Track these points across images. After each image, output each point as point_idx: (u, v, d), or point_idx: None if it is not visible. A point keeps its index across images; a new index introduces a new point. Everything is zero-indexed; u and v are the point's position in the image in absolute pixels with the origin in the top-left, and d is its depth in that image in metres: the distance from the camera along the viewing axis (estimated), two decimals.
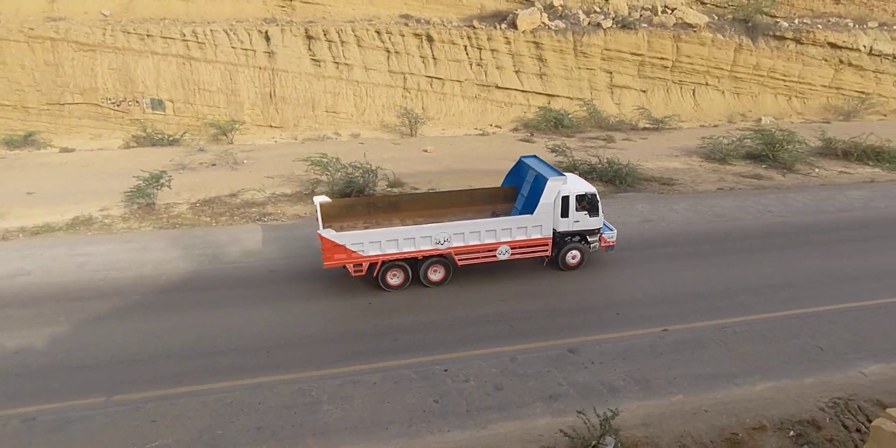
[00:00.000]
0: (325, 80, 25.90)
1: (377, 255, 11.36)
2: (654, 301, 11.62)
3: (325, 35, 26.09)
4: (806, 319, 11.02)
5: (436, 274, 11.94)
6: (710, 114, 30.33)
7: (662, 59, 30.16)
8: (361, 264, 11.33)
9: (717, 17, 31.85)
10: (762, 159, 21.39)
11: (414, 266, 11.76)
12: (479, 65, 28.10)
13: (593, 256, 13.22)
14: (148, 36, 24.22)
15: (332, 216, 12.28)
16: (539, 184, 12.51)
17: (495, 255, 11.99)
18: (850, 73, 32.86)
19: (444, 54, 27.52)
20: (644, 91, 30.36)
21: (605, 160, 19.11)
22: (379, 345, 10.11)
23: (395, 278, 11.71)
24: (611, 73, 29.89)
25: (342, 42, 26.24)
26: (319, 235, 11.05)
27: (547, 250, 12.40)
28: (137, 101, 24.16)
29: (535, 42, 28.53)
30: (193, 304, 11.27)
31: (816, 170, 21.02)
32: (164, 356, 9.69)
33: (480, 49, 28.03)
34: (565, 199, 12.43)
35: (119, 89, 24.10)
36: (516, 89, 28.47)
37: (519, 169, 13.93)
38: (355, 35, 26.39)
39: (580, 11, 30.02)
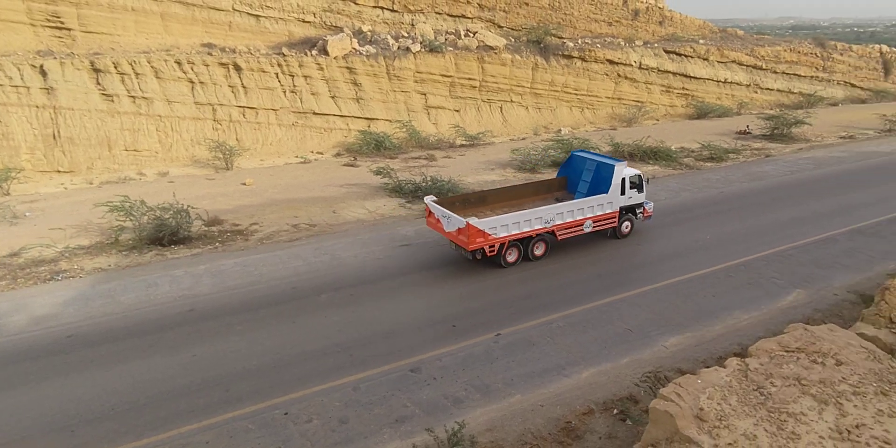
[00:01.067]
0: (122, 117, 23.60)
1: (505, 237, 13.58)
2: (486, 308, 12.13)
3: (115, 67, 23.84)
4: (616, 305, 12.26)
5: (538, 249, 14.39)
6: (517, 128, 32.91)
7: (470, 79, 32.16)
8: (494, 245, 13.44)
9: (513, 40, 34.83)
10: None
11: (525, 244, 14.08)
12: (293, 92, 27.61)
13: (422, 274, 13.48)
14: None
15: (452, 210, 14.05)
16: (603, 169, 15.66)
17: (582, 229, 14.82)
18: (626, 84, 37.87)
19: (254, 83, 26.62)
20: (457, 110, 32.09)
21: (429, 178, 19.74)
22: (208, 399, 9.26)
23: (511, 256, 13.94)
24: (425, 94, 31.14)
25: (137, 74, 24.17)
26: (468, 224, 12.83)
27: (614, 222, 15.50)
28: None
29: (348, 67, 28.79)
30: None
31: None
32: None
33: (293, 76, 27.59)
34: (623, 180, 15.40)
35: None
36: (334, 114, 28.43)
37: (571, 161, 16.94)
38: (152, 66, 24.48)
39: (389, 36, 30.97)
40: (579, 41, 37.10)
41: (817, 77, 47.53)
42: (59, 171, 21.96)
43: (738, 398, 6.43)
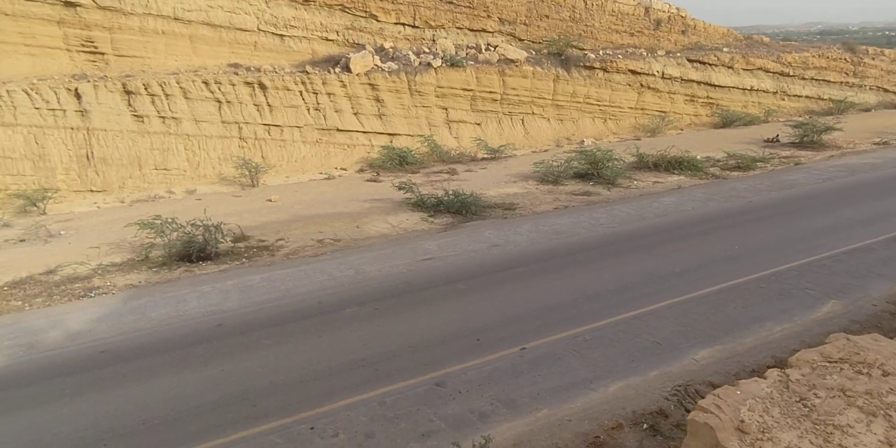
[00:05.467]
0: (152, 137, 24.28)
1: None
2: (510, 322, 12.06)
3: (146, 89, 24.60)
4: (643, 318, 12.07)
5: None
6: (539, 140, 32.92)
7: (491, 92, 32.35)
8: None
9: (534, 52, 35.01)
10: (589, 177, 23.55)
11: None
12: (316, 109, 28.09)
13: (446, 288, 13.50)
14: None
15: None
16: None
17: None
18: (649, 94, 37.67)
19: (279, 101, 27.17)
20: (478, 124, 32.26)
21: (451, 192, 19.83)
22: (236, 414, 9.33)
23: None
24: (446, 109, 31.40)
25: (167, 95, 24.89)
26: None
27: None
28: None
29: (370, 84, 29.22)
30: (4, 406, 9.65)
31: (635, 182, 23.52)
32: None
33: (317, 93, 28.10)
34: None
35: None
36: (357, 131, 28.82)
37: None
38: (181, 87, 25.18)
39: (410, 52, 31.38)
40: (601, 52, 37.09)
41: (847, 82, 46.64)
42: (92, 191, 22.65)
43: (780, 410, 6.24)
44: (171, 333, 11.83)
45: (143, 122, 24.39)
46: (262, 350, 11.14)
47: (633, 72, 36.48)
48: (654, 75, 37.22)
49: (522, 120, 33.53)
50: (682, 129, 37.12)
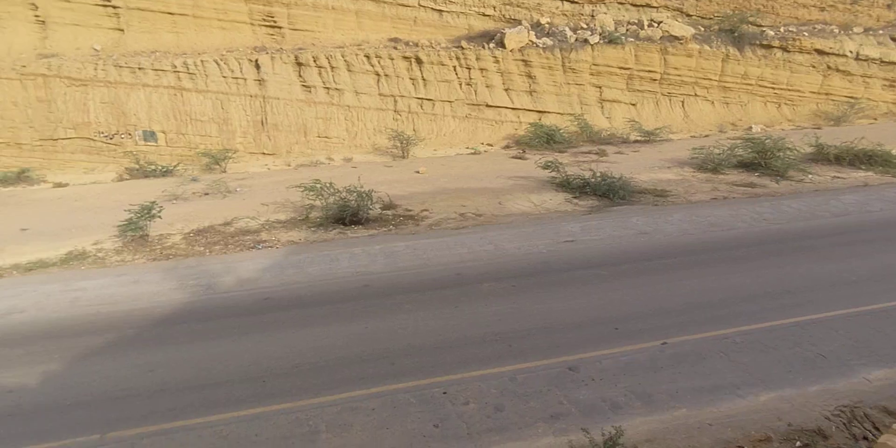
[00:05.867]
0: (317, 106, 26.13)
1: None
2: (653, 314, 11.51)
3: (315, 61, 26.38)
4: (806, 326, 10.91)
5: None
6: (700, 124, 30.57)
7: (650, 71, 30.50)
8: None
9: (703, 29, 32.29)
10: (754, 167, 21.47)
11: None
12: (468, 84, 28.38)
13: (586, 272, 13.18)
14: (139, 69, 24.51)
15: None
16: None
17: None
18: (838, 78, 33.21)
19: (433, 75, 27.81)
20: (634, 104, 30.64)
21: (599, 174, 19.16)
22: (376, 370, 9.97)
23: None
24: (600, 87, 30.19)
25: (332, 67, 26.53)
26: None
27: None
28: (130, 134, 24.35)
29: (523, 60, 28.87)
30: (188, 335, 11.16)
31: (809, 176, 21.06)
32: (158, 390, 9.55)
33: (469, 69, 28.34)
34: None
35: (111, 123, 24.30)
36: (506, 107, 28.72)
37: None
38: (345, 60, 26.69)
39: (567, 28, 30.44)
40: (782, 29, 33.26)
41: None
42: (264, 154, 25.06)
43: None
44: (324, 289, 12.86)
45: (310, 92, 26.31)
46: (403, 313, 11.73)
47: (820, 52, 32.28)
48: (845, 56, 32.65)
49: (683, 102, 31.28)
50: (875, 119, 32.38)
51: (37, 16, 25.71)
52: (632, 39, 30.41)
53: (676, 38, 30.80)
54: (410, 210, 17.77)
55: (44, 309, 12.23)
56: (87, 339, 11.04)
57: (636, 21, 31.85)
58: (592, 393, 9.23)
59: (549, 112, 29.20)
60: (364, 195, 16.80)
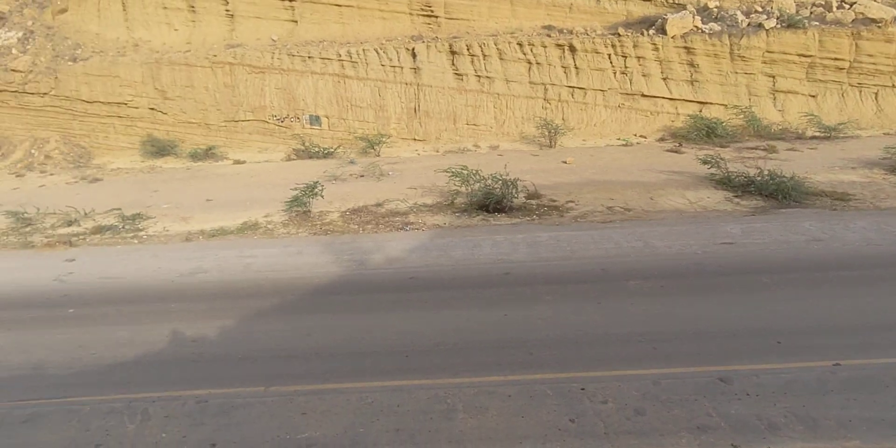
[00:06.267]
0: (467, 94, 26.59)
1: None
2: (824, 330, 10.33)
3: (468, 49, 26.80)
4: None
5: None
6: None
7: (837, 59, 27.05)
8: None
9: None
10: None
11: None
12: (623, 73, 27.20)
13: (746, 278, 12.13)
14: (309, 57, 26.53)
15: None
16: None
17: None
18: None
19: (586, 64, 27.01)
20: (813, 96, 27.42)
21: (766, 172, 17.47)
22: (513, 358, 10.02)
23: None
24: (773, 77, 27.39)
25: (484, 56, 26.78)
26: None
27: None
28: (298, 118, 26.57)
29: (685, 47, 27.02)
30: (341, 306, 12.03)
31: None
32: (313, 354, 10.42)
33: (625, 57, 27.12)
34: None
35: (283, 107, 26.67)
36: (663, 97, 27.12)
37: None
38: (497, 48, 26.80)
39: (738, 12, 27.93)
40: None
41: None
42: (415, 139, 26.10)
43: None
44: (465, 273, 13.16)
45: (461, 80, 26.81)
46: (543, 304, 11.65)
47: None
48: None
49: (876, 94, 27.34)
50: None
51: (227, 10, 28.84)
52: (816, 23, 27.10)
53: (873, 20, 26.90)
54: (555, 200, 17.53)
55: (223, 271, 13.85)
56: (256, 301, 12.32)
57: (822, 2, 28.29)
58: (746, 409, 8.52)
59: (711, 103, 27.08)
60: (509, 183, 16.84)
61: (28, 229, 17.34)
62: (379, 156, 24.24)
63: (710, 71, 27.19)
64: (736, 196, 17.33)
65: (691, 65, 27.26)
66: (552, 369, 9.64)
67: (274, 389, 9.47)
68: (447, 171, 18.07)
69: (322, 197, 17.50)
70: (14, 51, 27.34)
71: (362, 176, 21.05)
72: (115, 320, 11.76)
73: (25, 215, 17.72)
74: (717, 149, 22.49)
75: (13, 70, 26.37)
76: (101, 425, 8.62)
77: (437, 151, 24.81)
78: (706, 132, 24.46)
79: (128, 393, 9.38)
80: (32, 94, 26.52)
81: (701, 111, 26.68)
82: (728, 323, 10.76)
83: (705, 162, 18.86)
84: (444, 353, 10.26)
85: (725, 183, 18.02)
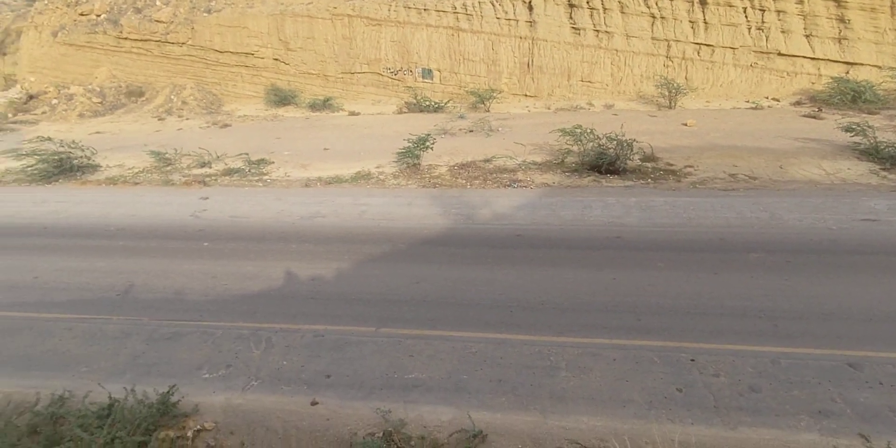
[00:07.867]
0: (583, 49, 25.44)
1: None
2: None
3: (587, 2, 25.50)
4: None
5: None
6: None
7: None
8: None
9: None
10: None
11: None
12: (759, 29, 24.81)
13: (890, 259, 11.00)
14: (424, 10, 26.38)
15: None
16: None
17: None
18: None
19: (717, 18, 24.87)
20: None
21: None
22: (620, 322, 9.87)
23: None
24: None
25: (605, 9, 25.37)
26: None
27: None
28: (411, 71, 26.75)
29: (836, 0, 24.07)
30: (448, 257, 12.32)
31: None
32: (421, 300, 10.81)
33: (763, 11, 24.67)
34: None
35: (397, 60, 26.91)
36: (804, 56, 24.55)
37: None
38: (619, 1, 25.27)
39: None
40: None
41: None
42: (526, 95, 25.51)
43: None
44: (574, 233, 12.97)
45: (578, 34, 25.62)
46: (655, 270, 11.29)
47: None
48: None
49: None
50: None
51: None
52: None
53: None
54: (672, 164, 16.64)
55: (339, 217, 14.56)
56: (369, 247, 12.89)
57: None
58: (878, 398, 7.91)
59: (861, 64, 24.14)
60: (624, 144, 16.16)
61: (168, 168, 19.04)
62: (489, 111, 24.00)
63: (865, 28, 24.11)
64: (883, 169, 15.58)
65: (841, 20, 24.29)
66: (661, 337, 9.40)
67: (384, 331, 9.98)
68: (559, 129, 17.59)
69: (432, 150, 17.72)
70: (158, 2, 29.37)
71: (471, 131, 21.00)
72: (244, 256, 12.79)
73: (166, 156, 19.43)
74: (864, 115, 20.17)
75: (156, 21, 28.40)
76: (231, 348, 9.53)
77: (549, 108, 24.15)
78: (852, 96, 21.94)
79: (254, 322, 10.25)
80: (172, 43, 28.53)
81: (848, 73, 23.91)
82: (863, 306, 9.91)
83: (849, 130, 17.02)
84: (549, 311, 10.28)
85: (872, 153, 16.22)
